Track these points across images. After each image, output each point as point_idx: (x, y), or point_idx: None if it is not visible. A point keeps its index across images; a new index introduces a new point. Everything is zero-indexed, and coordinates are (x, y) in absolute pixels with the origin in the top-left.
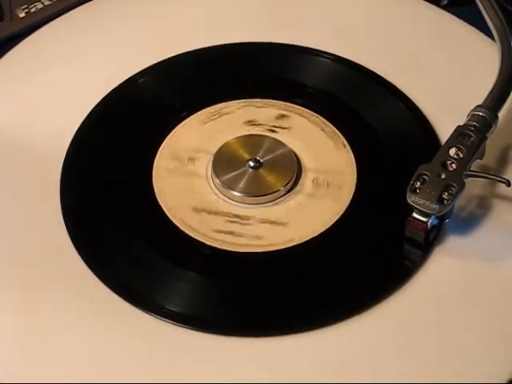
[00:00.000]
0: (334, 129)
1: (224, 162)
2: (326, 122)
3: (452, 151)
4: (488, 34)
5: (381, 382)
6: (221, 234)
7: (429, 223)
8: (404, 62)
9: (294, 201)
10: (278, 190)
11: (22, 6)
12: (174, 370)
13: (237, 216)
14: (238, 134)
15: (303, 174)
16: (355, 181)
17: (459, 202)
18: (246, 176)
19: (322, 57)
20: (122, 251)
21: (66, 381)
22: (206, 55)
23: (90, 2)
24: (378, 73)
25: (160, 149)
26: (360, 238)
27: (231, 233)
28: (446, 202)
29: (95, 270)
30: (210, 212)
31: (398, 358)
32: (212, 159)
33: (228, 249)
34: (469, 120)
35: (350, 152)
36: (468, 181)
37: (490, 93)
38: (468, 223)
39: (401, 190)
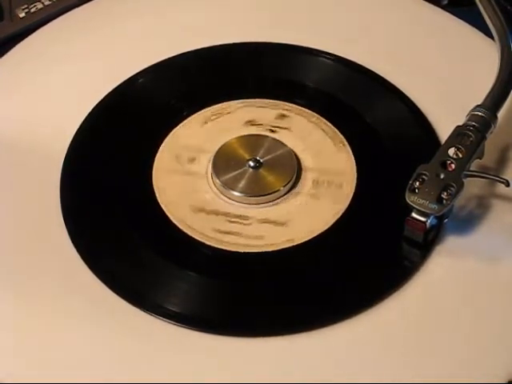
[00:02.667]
0: (334, 129)
1: (224, 161)
2: (326, 121)
3: (451, 151)
4: (488, 34)
5: (381, 382)
6: (221, 234)
7: (428, 223)
8: (404, 61)
9: (293, 201)
10: (278, 190)
11: (22, 5)
12: (173, 370)
13: (237, 216)
14: (238, 134)
15: (303, 174)
16: (355, 181)
17: (458, 201)
18: (246, 176)
19: (322, 57)
20: (122, 251)
21: (66, 381)
22: (205, 55)
23: (90, 2)
24: (378, 73)
25: (160, 149)
26: (360, 237)
27: (231, 233)
28: (445, 201)
29: (95, 270)
30: (209, 212)
31: (397, 358)
32: (212, 159)
33: (228, 249)
34: (468, 120)
35: (350, 152)
36: (467, 181)
37: (490, 93)
38: (467, 223)
39: (401, 190)
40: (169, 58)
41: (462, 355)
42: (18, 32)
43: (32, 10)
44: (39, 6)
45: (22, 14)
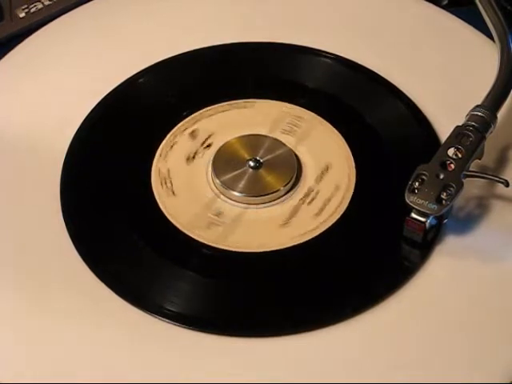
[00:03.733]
0: (334, 129)
1: (224, 161)
2: (326, 121)
3: (451, 151)
4: (488, 34)
5: (381, 382)
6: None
7: (427, 223)
8: (404, 61)
9: (293, 201)
10: (278, 189)
11: (22, 5)
12: (173, 370)
13: (236, 216)
14: (238, 134)
15: (303, 174)
16: (355, 181)
17: (458, 202)
18: (246, 176)
19: (322, 57)
20: (122, 251)
21: (66, 381)
22: (205, 55)
23: (90, 2)
24: (379, 73)
25: (160, 149)
26: (360, 238)
27: (231, 233)
28: (444, 202)
29: (95, 270)
30: (209, 212)
31: (397, 358)
32: (212, 159)
33: (228, 249)
34: (468, 120)
35: (350, 152)
36: (467, 181)
37: (489, 93)
38: (467, 223)
39: (401, 190)
40: (169, 58)
41: (463, 355)
42: (18, 32)
43: (32, 10)
44: (39, 6)
45: (22, 14)
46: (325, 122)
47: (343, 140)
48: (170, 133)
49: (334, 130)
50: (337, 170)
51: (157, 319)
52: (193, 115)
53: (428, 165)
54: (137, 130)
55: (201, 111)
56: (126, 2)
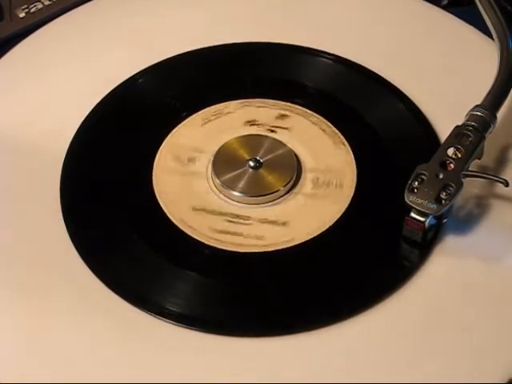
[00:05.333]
0: (334, 129)
1: (224, 161)
2: (325, 121)
3: (450, 151)
4: (488, 33)
5: (380, 382)
6: (221, 234)
7: (426, 223)
8: (404, 61)
9: (293, 201)
10: (278, 190)
11: (22, 5)
12: (173, 370)
13: (237, 216)
14: (238, 134)
15: (303, 174)
16: (355, 181)
17: (458, 201)
18: (246, 176)
19: (322, 57)
20: (121, 251)
21: (66, 381)
22: (205, 55)
23: (90, 2)
24: (378, 73)
25: (160, 149)
26: (360, 238)
27: (231, 233)
28: (443, 201)
29: (95, 270)
30: (209, 212)
31: (397, 358)
32: (212, 159)
33: (228, 249)
34: (467, 120)
35: (350, 152)
36: (466, 181)
37: (489, 93)
38: (467, 223)
39: (401, 190)
40: (169, 58)
41: (462, 355)
42: (18, 32)
43: (32, 10)
44: (39, 6)
45: (22, 14)
46: (325, 121)
47: (343, 140)
48: (171, 133)
49: (334, 129)
50: (336, 169)
51: (157, 319)
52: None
53: (427, 164)
54: (137, 129)
55: (201, 111)
56: (125, 2)
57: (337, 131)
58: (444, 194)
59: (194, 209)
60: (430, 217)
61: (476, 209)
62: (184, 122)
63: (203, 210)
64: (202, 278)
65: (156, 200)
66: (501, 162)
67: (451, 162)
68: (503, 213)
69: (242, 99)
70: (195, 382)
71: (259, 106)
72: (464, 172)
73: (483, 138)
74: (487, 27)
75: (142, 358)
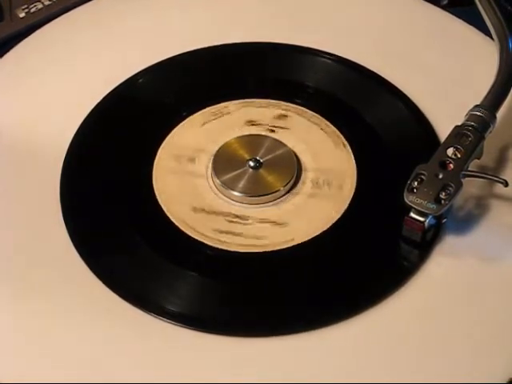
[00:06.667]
0: (334, 129)
1: (224, 161)
2: (325, 121)
3: (450, 151)
4: (488, 33)
5: (381, 382)
6: (221, 234)
7: (426, 223)
8: (404, 61)
9: (293, 201)
10: (278, 190)
11: (22, 5)
12: (173, 370)
13: (237, 216)
14: (238, 134)
15: (303, 174)
16: (355, 181)
17: (457, 201)
18: (246, 176)
19: (322, 57)
20: (122, 251)
21: (66, 381)
22: (205, 55)
23: (90, 2)
24: (378, 73)
25: (160, 149)
26: (360, 238)
27: (231, 233)
28: (443, 201)
29: (95, 270)
30: (209, 212)
31: (397, 358)
32: (212, 159)
33: (228, 249)
34: (467, 120)
35: (350, 152)
36: (466, 181)
37: (489, 93)
38: (466, 223)
39: (401, 190)
40: (169, 58)
41: (462, 355)
42: (18, 32)
43: (32, 10)
44: (39, 6)
45: (22, 14)
46: (325, 121)
47: (343, 140)
48: (171, 133)
49: (334, 129)
50: (336, 169)
51: (157, 319)
52: (192, 115)
53: (427, 164)
54: (136, 129)
55: (201, 111)
56: (125, 2)
57: (337, 131)
58: (443, 194)
59: (194, 209)
60: (430, 217)
61: (475, 209)
62: (184, 122)
63: (203, 210)
64: (201, 277)
65: (156, 200)
66: (500, 162)
67: (451, 162)
68: (503, 213)
69: (241, 99)
70: (195, 382)
71: (259, 106)
72: (463, 172)
73: (483, 138)
74: (487, 27)
75: (142, 358)
